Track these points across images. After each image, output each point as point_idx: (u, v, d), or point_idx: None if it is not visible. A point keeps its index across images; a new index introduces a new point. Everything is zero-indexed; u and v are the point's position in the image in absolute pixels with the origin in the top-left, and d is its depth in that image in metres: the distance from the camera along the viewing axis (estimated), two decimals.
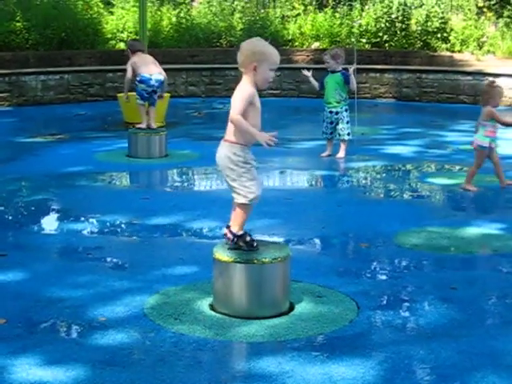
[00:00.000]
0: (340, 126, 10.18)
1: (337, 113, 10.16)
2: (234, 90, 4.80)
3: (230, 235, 4.78)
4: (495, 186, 8.67)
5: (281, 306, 4.80)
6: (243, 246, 4.75)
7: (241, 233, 4.77)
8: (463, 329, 4.63)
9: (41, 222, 7.28)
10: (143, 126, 10.74)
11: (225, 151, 4.74)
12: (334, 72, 10.13)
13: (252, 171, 4.75)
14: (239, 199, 4.75)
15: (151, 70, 10.78)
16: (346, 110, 10.22)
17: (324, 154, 10.29)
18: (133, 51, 11.07)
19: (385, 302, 5.12)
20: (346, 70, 10.16)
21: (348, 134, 10.22)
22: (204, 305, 4.90)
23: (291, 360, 4.16)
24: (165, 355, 4.21)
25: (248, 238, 4.77)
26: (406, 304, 5.07)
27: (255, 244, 4.78)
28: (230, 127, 4.73)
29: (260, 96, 4.79)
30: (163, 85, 11.03)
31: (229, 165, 4.71)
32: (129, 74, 10.92)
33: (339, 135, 10.23)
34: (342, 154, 10.22)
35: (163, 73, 10.93)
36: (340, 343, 4.39)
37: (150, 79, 10.74)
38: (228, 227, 4.84)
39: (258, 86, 4.75)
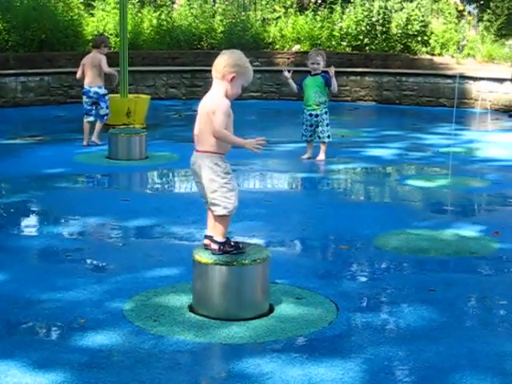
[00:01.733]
0: (320, 128, 10.18)
1: (316, 115, 10.16)
2: None
3: (214, 246, 4.77)
4: (474, 188, 8.72)
5: (260, 307, 4.80)
6: (231, 250, 4.75)
7: (224, 240, 4.78)
8: (442, 330, 4.65)
9: (20, 223, 7.25)
10: (85, 143, 11.00)
11: (205, 162, 4.70)
12: (314, 75, 10.13)
13: (232, 181, 4.75)
14: (218, 211, 4.73)
15: (92, 81, 10.94)
16: (325, 113, 10.21)
17: (304, 157, 10.30)
18: (94, 46, 11.33)
19: (364, 304, 5.13)
20: (327, 72, 10.15)
21: (328, 137, 10.22)
22: (183, 307, 4.90)
23: (271, 361, 4.16)
24: (144, 357, 4.20)
25: (232, 242, 4.79)
26: (386, 306, 5.09)
27: (241, 245, 4.80)
28: (208, 138, 4.69)
29: (240, 98, 4.80)
30: (104, 98, 11.12)
31: (211, 176, 4.69)
32: (78, 74, 11.17)
33: (319, 137, 10.23)
34: (322, 156, 10.23)
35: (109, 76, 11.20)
36: (319, 345, 4.40)
37: (89, 91, 10.90)
38: (207, 237, 4.83)
39: (227, 97, 4.75)
